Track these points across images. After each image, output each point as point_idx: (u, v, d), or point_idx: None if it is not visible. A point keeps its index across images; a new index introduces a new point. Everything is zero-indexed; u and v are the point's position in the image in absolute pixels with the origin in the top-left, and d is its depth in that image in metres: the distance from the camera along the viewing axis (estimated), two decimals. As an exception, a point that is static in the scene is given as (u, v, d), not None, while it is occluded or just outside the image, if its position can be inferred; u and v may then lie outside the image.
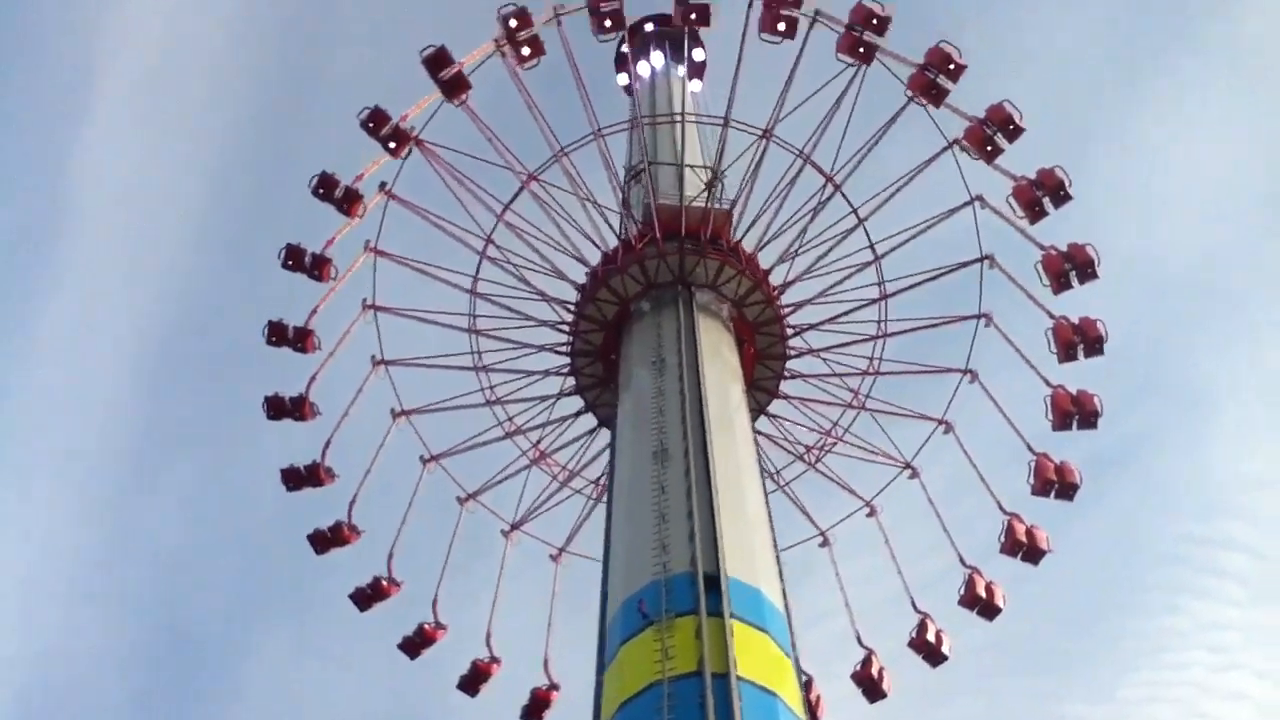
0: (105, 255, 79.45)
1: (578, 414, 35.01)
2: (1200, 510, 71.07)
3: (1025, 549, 33.16)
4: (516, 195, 33.84)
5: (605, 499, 27.54)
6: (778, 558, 24.56)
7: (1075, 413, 32.19)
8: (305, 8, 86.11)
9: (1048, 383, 32.66)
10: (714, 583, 20.67)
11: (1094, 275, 31.87)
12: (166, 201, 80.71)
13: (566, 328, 33.20)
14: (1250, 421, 72.34)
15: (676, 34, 40.02)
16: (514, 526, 36.93)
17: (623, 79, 41.51)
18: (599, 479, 35.32)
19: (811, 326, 34.30)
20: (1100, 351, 32.13)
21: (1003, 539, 33.36)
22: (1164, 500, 73.62)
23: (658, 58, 41.88)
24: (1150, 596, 69.88)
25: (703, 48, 42.01)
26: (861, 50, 32.15)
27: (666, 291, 31.16)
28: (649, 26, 40.47)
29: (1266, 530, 68.66)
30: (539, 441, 35.94)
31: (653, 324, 30.60)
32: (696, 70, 42.27)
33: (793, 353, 33.95)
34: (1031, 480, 32.91)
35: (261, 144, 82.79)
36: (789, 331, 33.32)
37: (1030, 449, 33.20)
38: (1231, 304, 74.96)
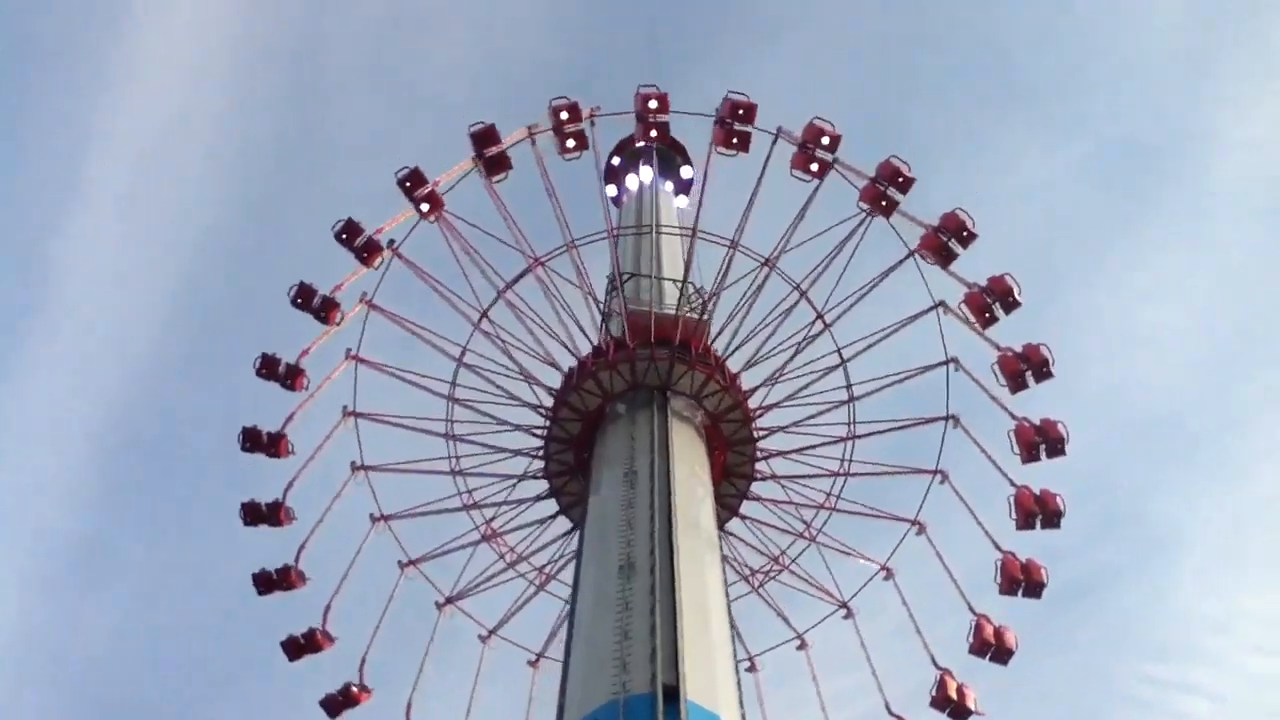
0: (80, 341, 78.97)
1: (553, 516, 34.79)
2: (1162, 651, 70.74)
3: (993, 649, 32.93)
4: (492, 304, 34.36)
5: (568, 609, 27.10)
6: (739, 681, 24.07)
7: (1039, 512, 32.37)
8: (299, 111, 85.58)
9: (1012, 482, 32.84)
10: (673, 703, 20.39)
11: (1049, 374, 32.43)
12: (145, 295, 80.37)
13: (541, 428, 33.16)
14: (1213, 564, 73.07)
15: (665, 150, 41.07)
16: (491, 632, 36.63)
17: (611, 190, 42.32)
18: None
19: (782, 428, 34.62)
20: (1062, 452, 32.34)
21: (971, 639, 33.21)
22: (1126, 639, 72.81)
23: (647, 172, 42.26)
24: (1113, 738, 73.03)
25: (690, 165, 42.86)
26: (815, 166, 33.28)
27: (642, 394, 31.41)
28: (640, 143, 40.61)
29: (1228, 674, 68.64)
30: (516, 546, 35.76)
31: (627, 427, 30.75)
32: (683, 187, 43.22)
33: (763, 454, 34.11)
34: (999, 579, 32.96)
35: (244, 244, 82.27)
36: (759, 434, 33.44)
37: (997, 547, 33.23)
38: (1198, 447, 75.73)
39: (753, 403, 33.77)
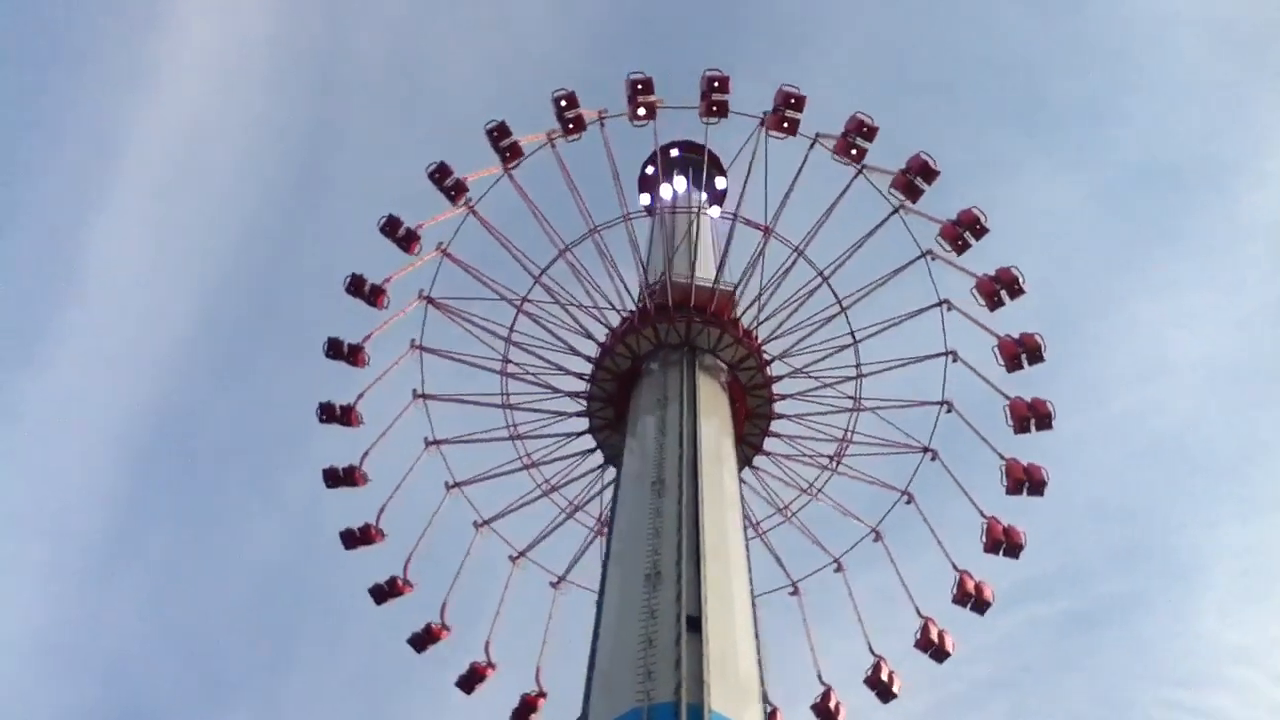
0: (109, 337, 77.56)
1: (590, 451, 37.26)
2: (1184, 678, 70.14)
3: (973, 600, 35.55)
4: (530, 289, 36.93)
5: (595, 613, 26.12)
6: (763, 687, 23.53)
7: (1025, 480, 34.69)
8: (329, 112, 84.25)
9: (1000, 455, 35.19)
10: (697, 715, 19.97)
11: (1049, 427, 34.73)
12: (174, 293, 79.54)
13: (587, 380, 35.65)
14: (1236, 593, 72.21)
15: (699, 161, 42.74)
16: (521, 554, 39.07)
17: (644, 199, 43.93)
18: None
19: (798, 394, 37.00)
20: (1049, 426, 34.55)
21: (954, 591, 35.77)
22: (1149, 664, 72.33)
23: (680, 182, 43.69)
24: (1134, 761, 68.88)
25: (725, 176, 44.31)
26: (854, 152, 35.41)
27: (674, 354, 33.77)
28: (674, 152, 42.48)
29: (1248, 701, 68.57)
30: (552, 478, 38.39)
31: (659, 379, 33.03)
32: (717, 197, 44.42)
33: (777, 415, 36.35)
34: (983, 539, 35.27)
35: (274, 245, 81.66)
36: (775, 395, 36.00)
37: (981, 513, 35.58)
38: (1220, 476, 75.59)
39: (773, 369, 35.87)
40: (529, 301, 37.33)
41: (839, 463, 38.32)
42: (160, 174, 77.85)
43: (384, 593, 37.99)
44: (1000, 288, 34.85)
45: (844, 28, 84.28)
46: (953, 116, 75.00)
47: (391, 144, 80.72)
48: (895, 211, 36.21)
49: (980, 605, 35.94)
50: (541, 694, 38.40)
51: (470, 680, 38.44)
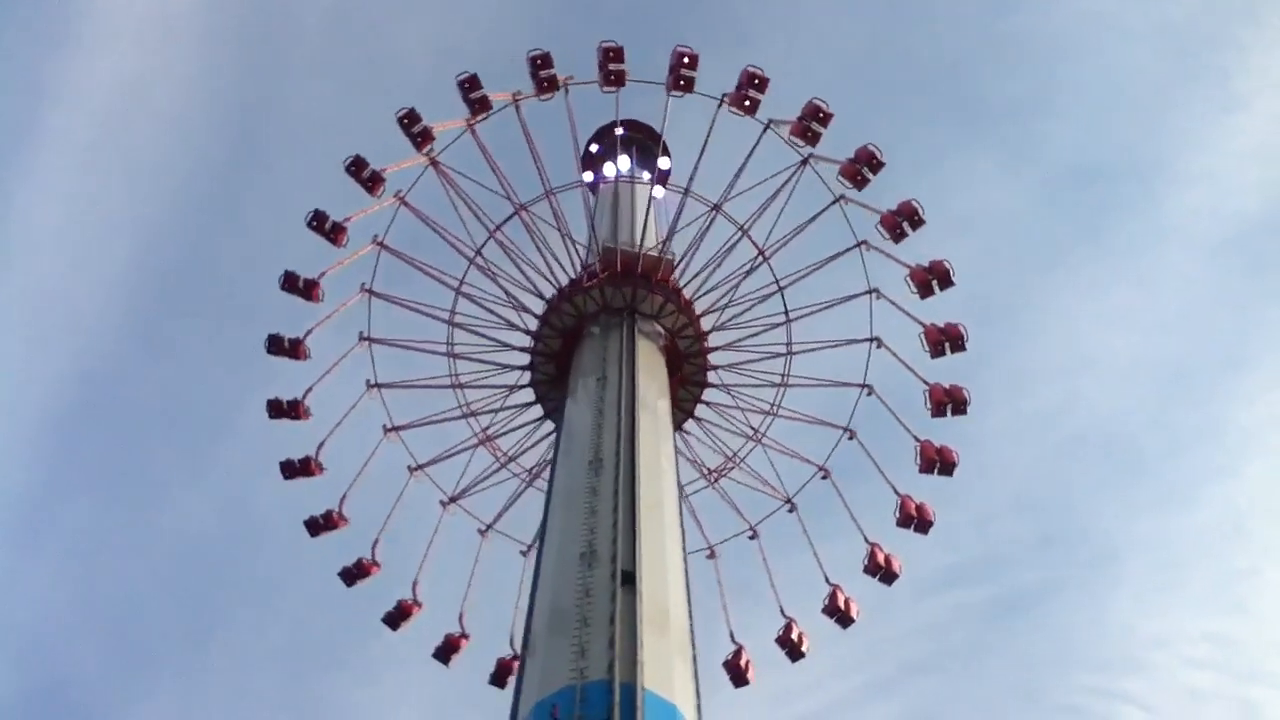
0: (33, 302, 74.17)
1: (540, 420, 38.00)
2: (1100, 664, 70.78)
3: (916, 521, 36.85)
4: (483, 244, 37.40)
5: (530, 589, 26.15)
6: (695, 671, 23.37)
7: (948, 401, 36.29)
8: (266, 73, 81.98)
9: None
10: (629, 692, 19.86)
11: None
12: (101, 257, 75.74)
13: (528, 349, 36.40)
14: (1152, 582, 73.37)
15: (643, 141, 43.23)
16: (489, 526, 39.82)
17: (587, 176, 43.68)
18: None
19: (730, 366, 38.18)
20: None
21: (897, 514, 37.03)
22: (1066, 651, 72.18)
23: (624, 161, 43.97)
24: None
25: (669, 156, 43.95)
26: (808, 135, 36.30)
27: (613, 318, 34.53)
28: (619, 131, 41.86)
29: (1161, 687, 70.15)
30: (509, 450, 39.21)
31: (600, 342, 33.82)
32: (660, 178, 43.94)
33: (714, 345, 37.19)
34: (918, 461, 36.57)
35: (203, 210, 77.84)
36: (709, 365, 37.05)
37: (915, 437, 36.89)
38: (1141, 469, 77.59)
39: (704, 324, 36.79)
40: (468, 284, 37.82)
41: (763, 435, 39.52)
42: (86, 133, 74.45)
43: (319, 526, 38.37)
44: (932, 278, 36.14)
45: (784, 21, 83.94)
46: (890, 110, 74.64)
47: (332, 105, 78.30)
48: (837, 201, 37.26)
49: (889, 576, 37.36)
50: (464, 635, 39.08)
51: (396, 617, 38.91)
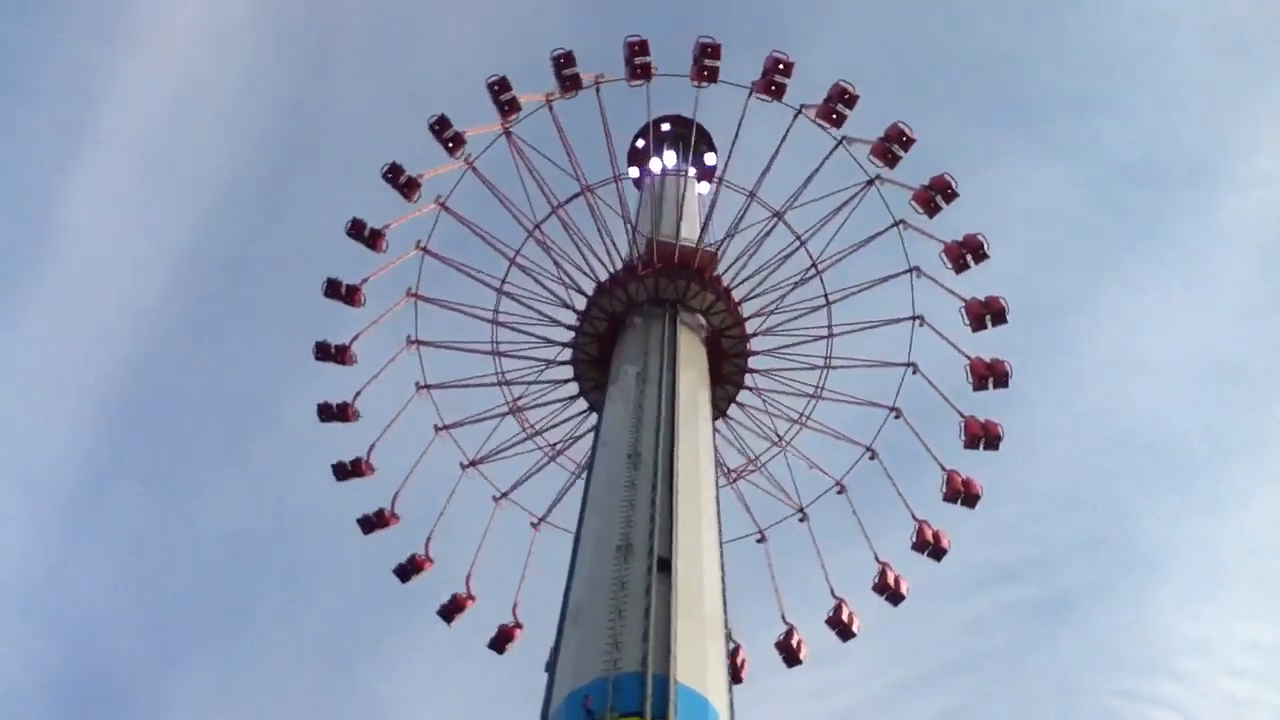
0: (87, 295, 75.13)
1: (574, 398, 38.47)
2: (1140, 667, 69.98)
3: (963, 495, 36.99)
4: (524, 244, 37.93)
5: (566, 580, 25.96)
6: (729, 660, 23.49)
7: (989, 375, 36.46)
8: (316, 75, 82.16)
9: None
10: (663, 685, 19.86)
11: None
12: (154, 252, 76.77)
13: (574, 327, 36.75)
14: (1194, 586, 72.40)
15: (688, 135, 42.29)
16: (504, 494, 40.28)
17: (634, 172, 43.90)
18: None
19: (772, 351, 38.45)
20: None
21: (944, 489, 37.10)
22: (1106, 653, 71.39)
23: (670, 156, 43.95)
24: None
25: (715, 152, 44.01)
26: (834, 117, 36.35)
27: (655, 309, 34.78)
28: (665, 126, 42.67)
29: (1200, 693, 69.06)
30: (537, 423, 39.69)
31: (643, 333, 34.14)
32: (706, 173, 44.12)
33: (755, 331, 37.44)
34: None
35: (255, 209, 79.36)
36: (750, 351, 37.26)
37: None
38: (1188, 474, 75.81)
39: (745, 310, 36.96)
40: (522, 256, 38.15)
41: (807, 419, 39.61)
42: (142, 132, 75.40)
43: (372, 524, 39.32)
44: (966, 252, 36.01)
45: (832, 15, 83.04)
46: (940, 106, 73.62)
47: (376, 112, 78.79)
48: (871, 182, 37.15)
49: (938, 552, 37.44)
50: (518, 625, 39.74)
51: (451, 610, 39.75)
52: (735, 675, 36.55)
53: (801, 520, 40.52)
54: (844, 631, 38.37)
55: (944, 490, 36.98)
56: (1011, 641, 72.21)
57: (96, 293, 75.72)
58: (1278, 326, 74.63)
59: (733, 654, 36.76)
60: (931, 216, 36.42)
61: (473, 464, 40.32)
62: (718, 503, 29.09)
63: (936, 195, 36.02)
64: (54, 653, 72.96)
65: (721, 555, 26.79)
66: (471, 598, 40.10)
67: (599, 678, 20.34)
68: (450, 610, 39.83)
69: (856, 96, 36.26)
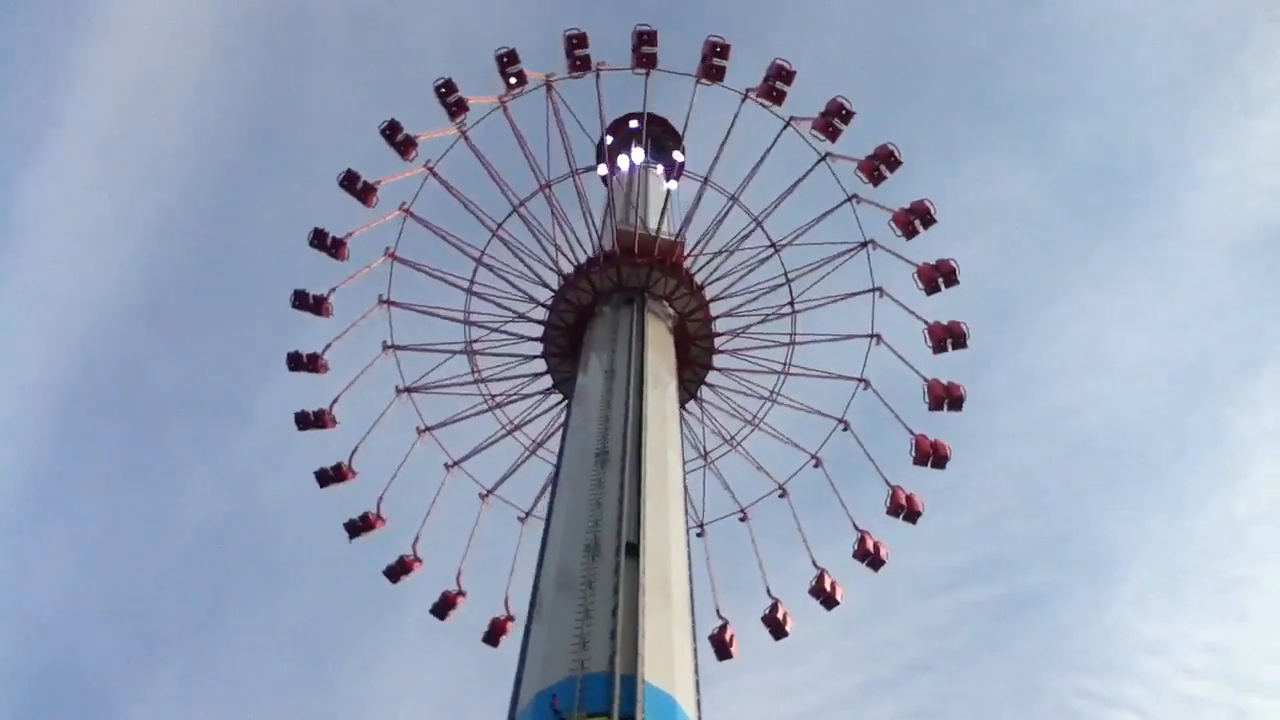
0: (47, 283, 74.12)
1: (548, 391, 39.17)
2: (1098, 667, 69.77)
3: (931, 457, 37.65)
4: (488, 244, 38.60)
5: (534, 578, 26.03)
6: (696, 662, 23.37)
7: (947, 337, 37.29)
8: (282, 65, 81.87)
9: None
10: (630, 684, 19.97)
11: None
12: (116, 241, 75.76)
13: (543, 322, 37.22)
14: (1153, 587, 72.56)
15: (659, 135, 43.35)
16: (490, 491, 41.01)
17: (601, 170, 43.46)
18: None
19: (736, 351, 39.29)
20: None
21: (913, 453, 37.76)
22: (1065, 653, 71.66)
23: (638, 153, 43.45)
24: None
25: (683, 151, 43.24)
26: (830, 130, 37.20)
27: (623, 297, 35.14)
28: (633, 123, 42.30)
29: (1158, 693, 69.19)
30: (515, 418, 40.44)
31: (611, 320, 34.50)
32: (676, 171, 43.25)
33: (720, 331, 38.02)
34: (927, 399, 37.45)
35: (218, 198, 77.98)
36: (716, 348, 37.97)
37: (922, 376, 37.76)
38: (1148, 473, 76.42)
39: (713, 310, 37.43)
40: (488, 256, 38.68)
41: (760, 421, 40.56)
42: (105, 119, 74.30)
43: (358, 527, 39.82)
44: (939, 276, 36.93)
45: (804, 14, 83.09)
46: (908, 104, 73.32)
47: (348, 100, 77.57)
48: (849, 199, 38.10)
49: (876, 563, 38.36)
50: (509, 617, 40.47)
51: (443, 607, 40.65)
52: (725, 651, 38.21)
53: (742, 520, 41.43)
54: (828, 600, 38.76)
55: (887, 504, 37.85)
56: (972, 642, 72.23)
57: (60, 285, 74.61)
58: (1239, 326, 74.17)
59: (721, 630, 38.19)
60: (909, 239, 37.27)
61: (457, 464, 41.04)
62: (685, 493, 29.94)
63: (915, 219, 36.95)
64: (17, 649, 71.81)
65: (689, 545, 27.28)
66: (462, 594, 40.92)
67: (566, 677, 20.46)
68: (442, 607, 40.79)
69: (853, 113, 37.32)
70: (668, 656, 21.70)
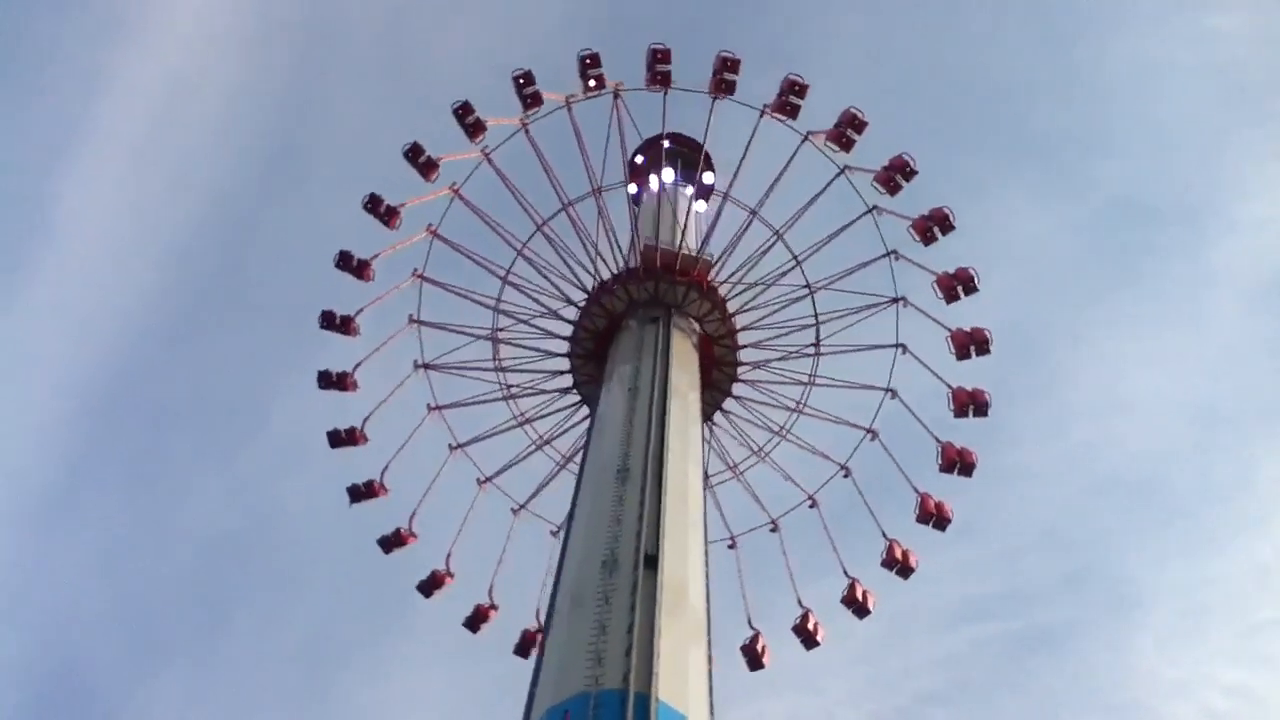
0: (75, 289, 75.88)
1: (576, 405, 39.28)
2: (1117, 707, 69.47)
3: (958, 465, 37.69)
4: (513, 262, 39.05)
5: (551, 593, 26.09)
6: (711, 684, 23.22)
7: (971, 343, 37.33)
8: (311, 79, 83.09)
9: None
10: (644, 703, 19.90)
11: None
12: (145, 250, 77.12)
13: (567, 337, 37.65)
14: (1176, 628, 72.43)
15: (689, 156, 43.10)
16: (522, 506, 41.50)
17: (632, 189, 43.64)
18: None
19: (761, 364, 39.45)
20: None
21: (940, 460, 37.71)
22: (1084, 691, 71.22)
23: (668, 173, 43.90)
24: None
25: (713, 171, 43.83)
26: (844, 140, 37.37)
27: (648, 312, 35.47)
28: (665, 144, 41.92)
29: None
30: (545, 433, 40.64)
31: (636, 334, 34.84)
32: (704, 192, 44.06)
33: (745, 344, 38.21)
34: (951, 405, 37.54)
35: (248, 211, 79.94)
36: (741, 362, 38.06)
37: (947, 384, 37.83)
38: (1174, 514, 75.51)
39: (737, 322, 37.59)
40: (514, 274, 39.25)
41: (787, 432, 40.68)
42: (137, 128, 75.60)
43: (390, 543, 40.35)
44: (958, 284, 36.98)
45: (840, 38, 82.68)
46: (939, 134, 73.54)
47: (375, 116, 78.32)
48: (870, 211, 38.19)
49: (905, 571, 38.23)
50: (539, 631, 40.67)
51: (475, 620, 41.14)
52: (757, 662, 38.57)
53: (811, 507, 41.37)
54: (860, 609, 38.64)
55: (916, 511, 37.70)
56: (990, 676, 72.19)
57: (84, 289, 75.71)
58: (1264, 370, 73.21)
59: (752, 641, 38.42)
60: (927, 245, 37.28)
61: (489, 480, 41.65)
62: (717, 505, 30.06)
63: (934, 226, 36.96)
64: (27, 647, 73.06)
65: (708, 562, 27.40)
66: (494, 607, 41.43)
67: (580, 693, 20.30)
68: (475, 620, 41.43)
69: (866, 123, 37.33)
70: (682, 675, 21.61)
